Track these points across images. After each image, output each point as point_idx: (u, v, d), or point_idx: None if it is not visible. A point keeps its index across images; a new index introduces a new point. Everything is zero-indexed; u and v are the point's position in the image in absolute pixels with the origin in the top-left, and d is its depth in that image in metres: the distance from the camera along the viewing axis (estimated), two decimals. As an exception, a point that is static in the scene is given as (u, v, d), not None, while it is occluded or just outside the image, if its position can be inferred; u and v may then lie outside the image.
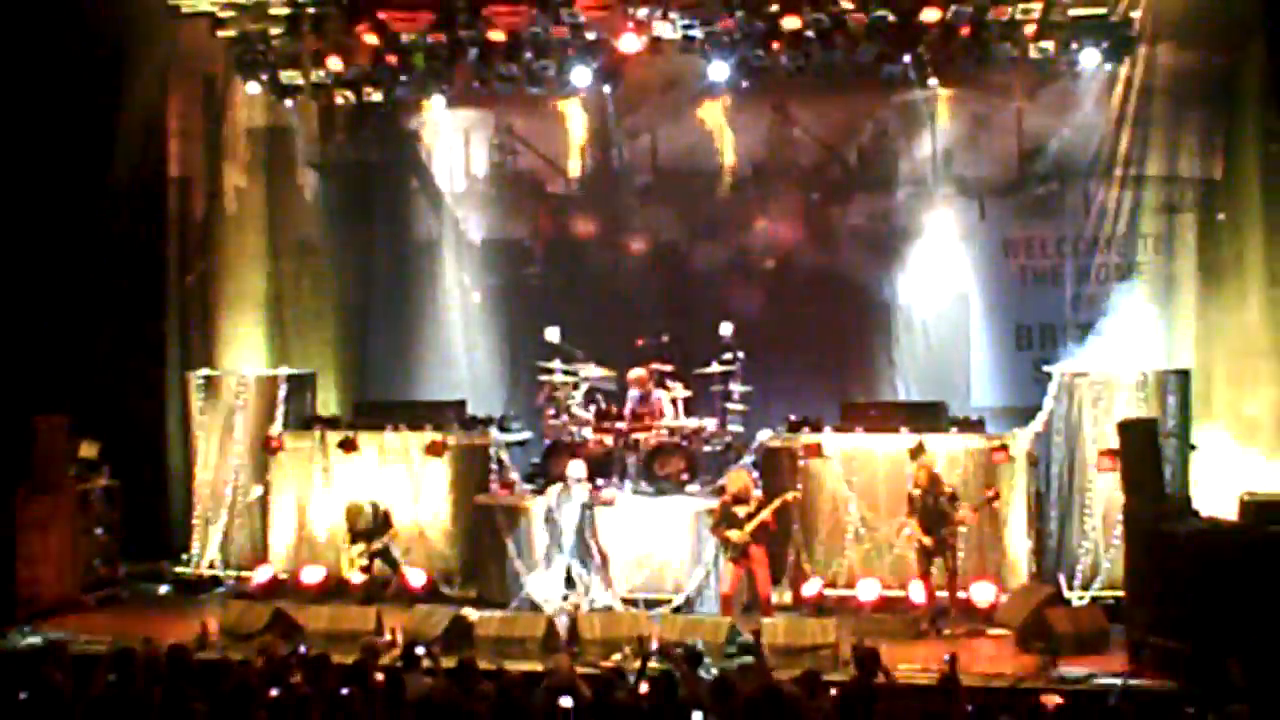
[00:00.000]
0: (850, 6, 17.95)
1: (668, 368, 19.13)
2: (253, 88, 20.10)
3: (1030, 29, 18.08)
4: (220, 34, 19.82)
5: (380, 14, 18.83)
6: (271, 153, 21.16)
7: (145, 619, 17.32)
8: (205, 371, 20.22)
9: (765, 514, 16.76)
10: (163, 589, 19.48)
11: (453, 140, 21.75)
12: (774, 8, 18.17)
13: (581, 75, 19.22)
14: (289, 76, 19.75)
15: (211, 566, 19.71)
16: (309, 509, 19.30)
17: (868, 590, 17.53)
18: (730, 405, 18.97)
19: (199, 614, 17.07)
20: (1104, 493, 17.28)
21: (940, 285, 20.22)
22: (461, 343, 21.60)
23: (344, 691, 11.49)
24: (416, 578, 18.34)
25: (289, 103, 20.39)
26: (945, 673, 12.71)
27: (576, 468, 17.27)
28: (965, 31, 18.15)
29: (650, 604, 17.36)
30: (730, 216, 20.94)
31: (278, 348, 20.95)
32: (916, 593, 17.01)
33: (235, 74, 20.24)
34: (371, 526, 17.99)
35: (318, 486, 19.26)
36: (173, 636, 14.70)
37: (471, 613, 16.46)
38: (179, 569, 19.75)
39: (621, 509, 17.80)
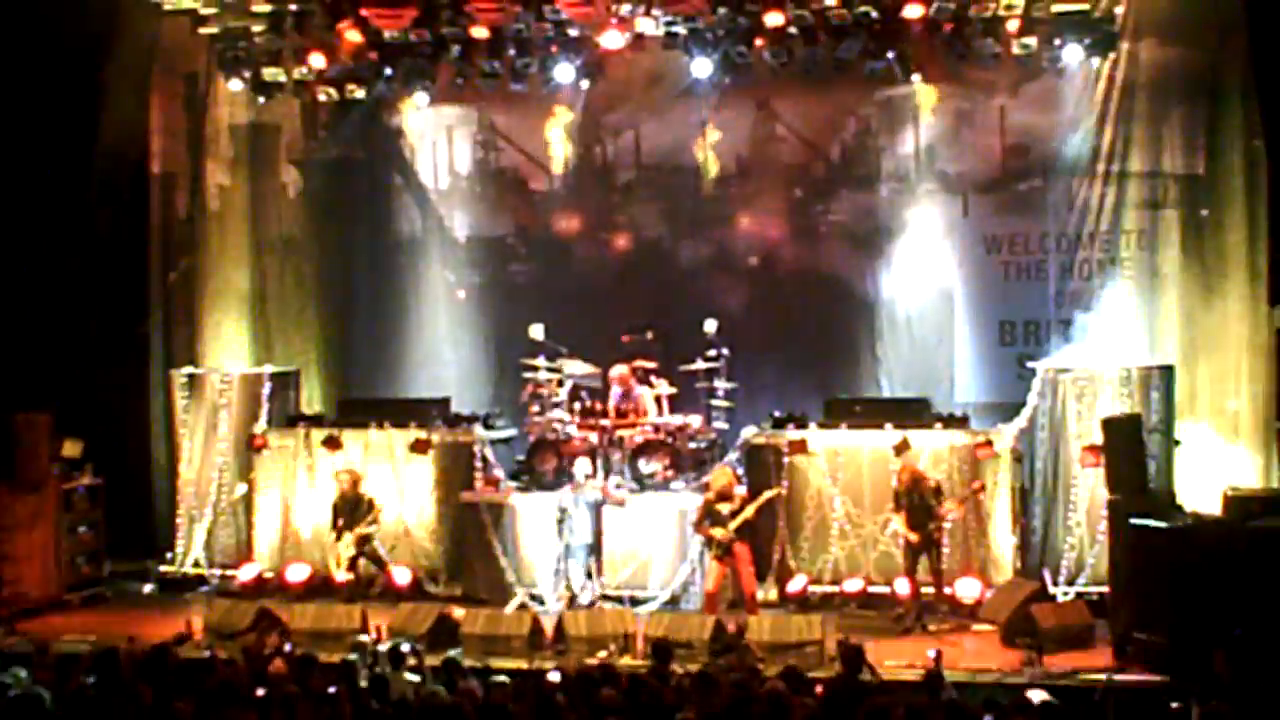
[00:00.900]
0: (833, 3, 17.92)
1: (651, 365, 19.13)
2: (235, 85, 20.02)
3: (1013, 25, 18.05)
4: (202, 31, 19.76)
5: (363, 11, 18.73)
6: (254, 150, 21.15)
7: (130, 618, 17.34)
8: (189, 369, 20.21)
9: (749, 511, 16.76)
10: (147, 588, 19.48)
11: (436, 137, 21.75)
12: (757, 4, 18.15)
13: (564, 72, 19.20)
14: (271, 73, 19.67)
15: (196, 565, 19.70)
16: (294, 507, 19.31)
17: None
18: (715, 402, 18.98)
19: (184, 613, 17.04)
20: (1088, 488, 17.33)
21: (924, 281, 20.21)
22: (445, 340, 21.57)
23: (330, 690, 11.48)
24: (402, 575, 18.34)
25: (262, 99, 20.34)
26: (930, 668, 12.75)
27: (582, 467, 17.33)
28: (948, 28, 18.15)
29: (635, 601, 17.37)
30: (714, 213, 20.93)
31: (261, 345, 20.93)
32: (902, 589, 17.03)
33: (218, 71, 20.19)
34: (358, 502, 17.94)
35: (302, 484, 19.27)
36: (157, 635, 14.71)
37: (457, 610, 16.46)
38: (163, 567, 19.74)
39: (630, 506, 17.81)
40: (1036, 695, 11.65)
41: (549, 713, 10.90)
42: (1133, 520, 15.14)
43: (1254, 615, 13.77)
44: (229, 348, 20.78)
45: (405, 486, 18.94)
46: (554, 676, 12.20)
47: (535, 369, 19.15)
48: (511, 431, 19.87)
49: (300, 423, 19.63)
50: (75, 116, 19.75)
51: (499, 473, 18.74)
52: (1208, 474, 17.58)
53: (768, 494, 17.24)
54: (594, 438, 18.69)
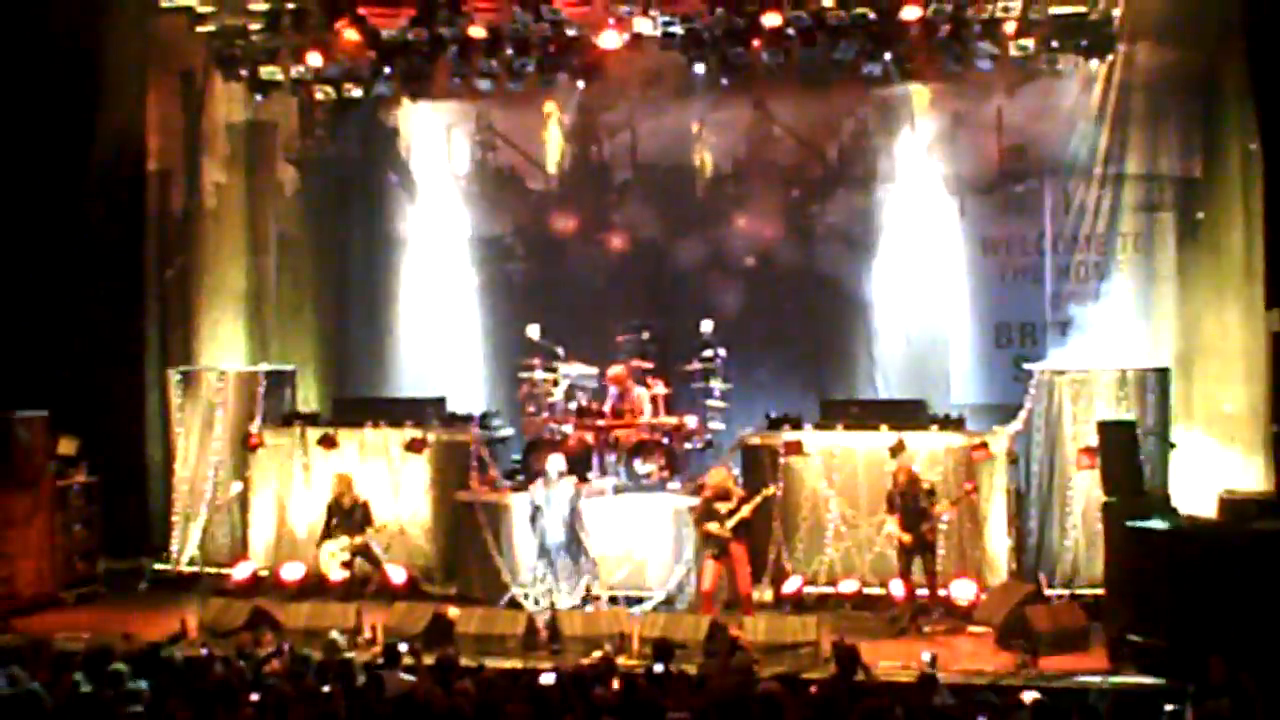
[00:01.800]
0: (830, 4, 17.94)
1: (648, 365, 19.13)
2: (232, 83, 20.03)
3: (1010, 27, 18.05)
4: (199, 29, 19.73)
5: (360, 9, 18.79)
6: (251, 148, 21.12)
7: (124, 616, 17.27)
8: (184, 367, 20.23)
9: (746, 510, 16.74)
10: (142, 586, 19.44)
11: (433, 136, 21.72)
12: (754, 5, 18.16)
13: (562, 72, 19.22)
14: (268, 72, 19.66)
15: (191, 563, 19.71)
16: (289, 505, 19.31)
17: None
18: (711, 402, 18.99)
19: (178, 611, 16.98)
20: (1084, 491, 17.34)
21: (920, 283, 20.18)
22: (442, 339, 21.55)
23: (325, 689, 11.50)
24: (397, 575, 18.33)
25: (259, 98, 20.33)
26: (924, 671, 12.77)
27: (555, 462, 17.26)
28: (945, 29, 18.16)
29: (631, 601, 17.37)
30: (710, 213, 20.88)
31: (257, 344, 20.92)
32: (897, 590, 17.04)
33: (214, 69, 20.18)
34: (352, 509, 17.92)
35: (298, 483, 19.26)
36: (152, 633, 14.72)
37: (453, 610, 16.46)
38: (158, 566, 19.74)
39: (603, 504, 17.78)
40: (1030, 697, 11.68)
41: (544, 712, 10.91)
42: (1128, 523, 15.14)
43: (1248, 617, 13.79)
44: (225, 346, 20.77)
45: (401, 486, 18.94)
46: (548, 677, 12.21)
47: (531, 368, 19.15)
48: (508, 431, 19.89)
49: (296, 421, 19.62)
50: (71, 114, 19.74)
51: (495, 472, 18.73)
52: (1203, 476, 17.60)
53: (764, 493, 17.25)
54: (590, 438, 18.70)
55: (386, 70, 19.55)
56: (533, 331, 19.09)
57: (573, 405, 19.03)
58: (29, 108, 19.33)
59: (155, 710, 10.96)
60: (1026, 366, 18.30)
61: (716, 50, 18.67)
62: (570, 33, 18.96)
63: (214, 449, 19.75)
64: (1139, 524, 15.02)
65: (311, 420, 19.65)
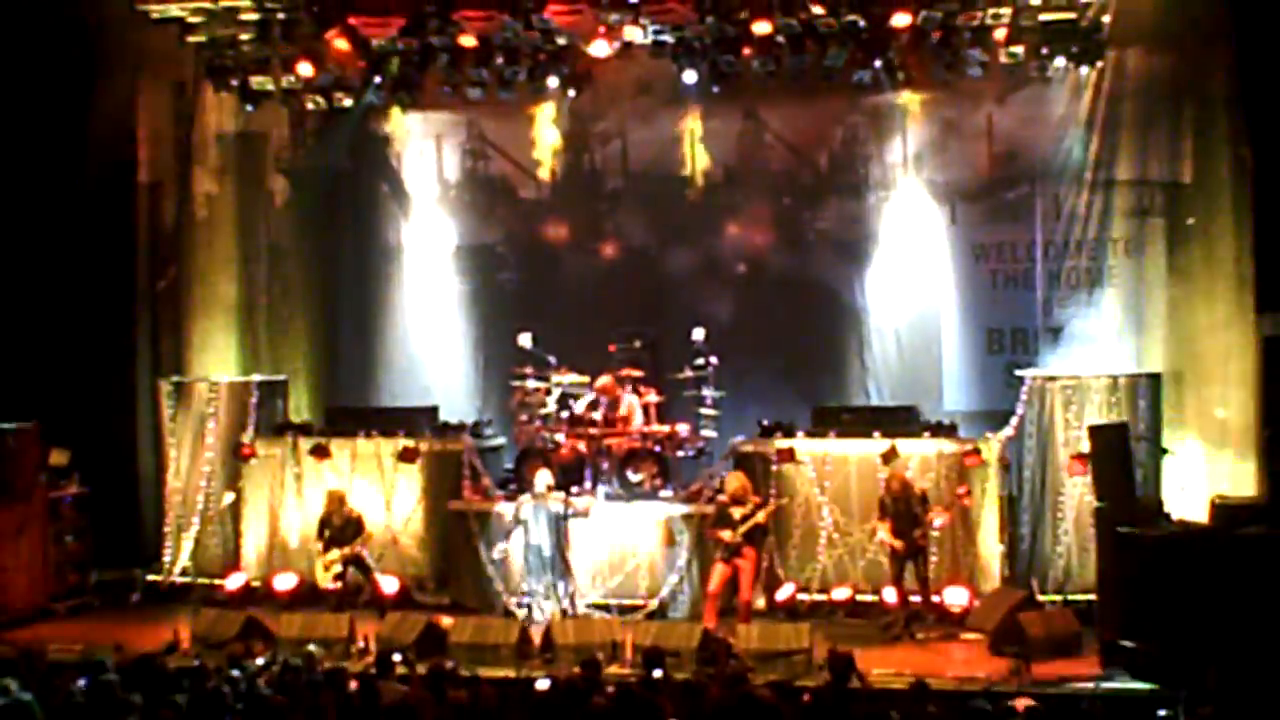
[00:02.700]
0: (821, 12, 17.95)
1: (638, 373, 19.12)
2: (223, 93, 20.01)
3: (1000, 34, 18.10)
4: (190, 39, 19.75)
5: (351, 19, 18.79)
6: (242, 158, 21.13)
7: (117, 627, 17.29)
8: (176, 378, 20.22)
9: (760, 516, 16.72)
10: (134, 597, 19.42)
11: (424, 145, 21.70)
12: (745, 13, 18.17)
13: (552, 80, 19.22)
14: (259, 82, 19.70)
15: (183, 574, 19.69)
16: (281, 516, 19.31)
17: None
18: (703, 410, 18.96)
19: (171, 622, 16.96)
20: (1076, 496, 17.38)
21: (912, 289, 20.20)
22: (434, 348, 21.54)
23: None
24: (389, 584, 18.29)
25: (250, 108, 20.31)
26: (917, 678, 12.76)
27: (543, 477, 17.28)
28: (936, 36, 18.18)
29: (623, 610, 17.36)
30: (701, 221, 20.87)
31: (249, 354, 20.92)
32: (890, 597, 17.04)
33: (205, 80, 20.17)
34: (345, 524, 17.91)
35: (290, 493, 19.25)
36: (145, 645, 14.70)
37: (446, 619, 16.45)
38: (151, 577, 19.70)
39: (595, 515, 17.77)
40: (1023, 704, 11.67)
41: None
42: (1120, 528, 15.16)
43: (1241, 623, 13.79)
44: (216, 357, 20.77)
45: (393, 495, 18.94)
46: (542, 684, 12.19)
47: (524, 377, 19.14)
48: (500, 440, 19.87)
49: (288, 431, 19.60)
50: (63, 125, 19.73)
51: (487, 481, 18.71)
52: (1195, 482, 17.61)
53: (779, 502, 17.28)
54: (582, 446, 18.69)
55: (377, 80, 19.56)
56: (525, 340, 19.07)
57: (565, 414, 19.02)
58: (19, 119, 19.31)
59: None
60: (1018, 373, 18.31)
61: (707, 58, 18.67)
62: (561, 41, 18.99)
63: (206, 459, 19.74)
64: (1131, 530, 15.03)
65: (304, 430, 19.64)
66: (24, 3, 19.11)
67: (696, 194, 20.91)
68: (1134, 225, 18.99)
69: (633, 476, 18.42)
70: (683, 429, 18.89)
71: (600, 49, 18.74)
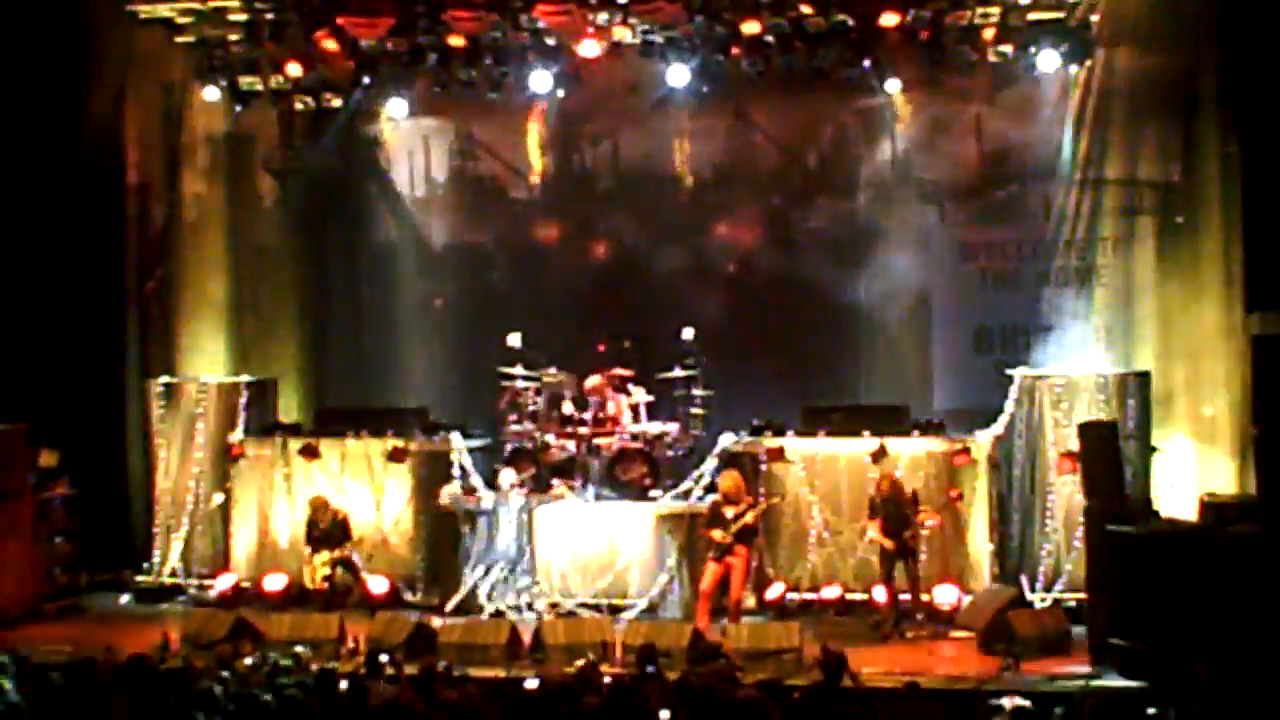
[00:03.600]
0: (810, 11, 17.95)
1: (628, 373, 19.13)
2: (211, 94, 19.95)
3: (989, 33, 18.11)
4: (179, 40, 19.76)
5: (340, 20, 18.75)
6: (231, 159, 21.06)
7: (106, 628, 17.23)
8: (165, 379, 20.15)
9: (751, 516, 16.74)
10: (124, 598, 19.42)
11: (413, 146, 21.67)
12: (733, 13, 18.17)
13: (542, 81, 19.18)
14: (248, 82, 19.64)
15: (173, 575, 19.63)
16: (271, 516, 19.28)
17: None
18: (692, 409, 18.97)
19: (161, 623, 16.97)
20: (1065, 495, 17.39)
21: (901, 288, 20.16)
22: (423, 349, 21.52)
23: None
24: (379, 585, 18.29)
25: (239, 108, 20.29)
26: (909, 678, 12.76)
27: (506, 475, 17.57)
28: (924, 35, 18.19)
29: (614, 609, 17.36)
30: (691, 221, 20.89)
31: (238, 355, 20.84)
32: (879, 596, 17.05)
33: (194, 80, 20.10)
34: (331, 527, 17.90)
35: (279, 494, 19.23)
36: (134, 646, 14.65)
37: (435, 620, 16.45)
38: (140, 578, 19.66)
39: (582, 512, 17.78)
40: (1012, 702, 11.67)
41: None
42: (1109, 526, 15.17)
43: (1230, 620, 13.81)
44: (206, 357, 20.70)
45: (383, 495, 18.93)
46: (531, 684, 12.19)
47: (513, 377, 19.14)
48: (489, 440, 19.85)
49: (277, 432, 19.58)
50: (51, 126, 19.64)
51: (476, 481, 18.68)
52: (1184, 480, 17.64)
53: (770, 501, 17.32)
54: (571, 446, 18.71)
55: (366, 80, 19.53)
56: (514, 340, 19.06)
57: (554, 413, 19.02)
58: (8, 119, 19.26)
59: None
60: (1008, 371, 18.30)
61: (696, 58, 18.65)
62: (550, 42, 18.95)
63: (195, 460, 19.69)
64: (1120, 528, 15.04)
65: (293, 430, 19.62)
66: (12, 2, 19.05)
67: (686, 194, 20.94)
68: (1123, 224, 19.00)
69: (622, 476, 18.42)
70: (672, 428, 18.89)
71: (589, 49, 18.74)
